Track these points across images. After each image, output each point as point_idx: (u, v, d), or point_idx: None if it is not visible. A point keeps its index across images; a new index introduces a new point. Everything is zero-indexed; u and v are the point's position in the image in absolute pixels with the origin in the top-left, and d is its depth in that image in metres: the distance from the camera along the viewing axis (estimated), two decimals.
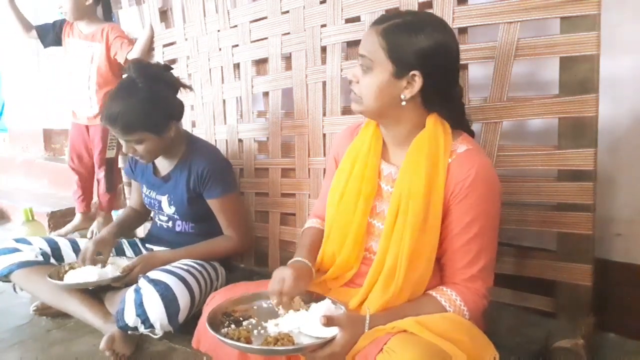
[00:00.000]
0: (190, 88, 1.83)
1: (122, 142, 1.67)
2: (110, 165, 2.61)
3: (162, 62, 2.27)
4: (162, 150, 1.73)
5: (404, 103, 1.07)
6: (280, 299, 1.08)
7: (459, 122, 1.15)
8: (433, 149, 1.07)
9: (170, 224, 1.86)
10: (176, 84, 1.75)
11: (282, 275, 1.10)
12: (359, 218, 1.15)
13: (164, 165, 1.81)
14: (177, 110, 1.73)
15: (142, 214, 2.04)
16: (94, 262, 1.67)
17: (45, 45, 2.62)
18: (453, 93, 1.13)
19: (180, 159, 1.77)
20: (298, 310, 1.08)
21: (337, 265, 1.18)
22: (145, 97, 1.59)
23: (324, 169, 1.74)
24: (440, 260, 1.11)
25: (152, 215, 1.99)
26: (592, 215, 1.32)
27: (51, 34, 2.56)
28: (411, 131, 1.11)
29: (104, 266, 1.67)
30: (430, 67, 1.04)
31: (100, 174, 2.60)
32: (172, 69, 1.80)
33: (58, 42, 2.57)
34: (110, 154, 2.59)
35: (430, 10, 1.47)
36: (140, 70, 1.63)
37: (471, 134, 1.17)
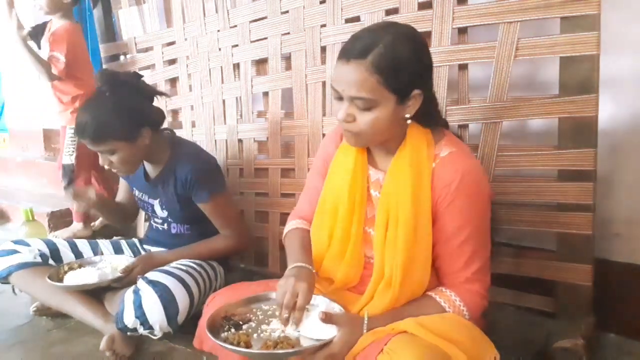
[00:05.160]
0: (166, 95, 1.89)
1: (98, 153, 1.64)
2: (67, 172, 2.44)
3: (163, 62, 2.27)
4: (139, 159, 1.71)
5: (409, 122, 1.06)
6: (293, 314, 1.01)
7: (437, 118, 1.14)
8: (415, 156, 1.06)
9: (165, 226, 1.85)
10: (149, 92, 1.73)
11: (296, 289, 1.01)
12: (356, 228, 1.14)
13: (152, 170, 1.79)
14: (151, 117, 1.69)
15: (129, 209, 2.02)
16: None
17: (40, 47, 2.54)
18: (433, 92, 1.12)
19: (166, 165, 1.74)
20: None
21: (340, 280, 1.16)
22: (112, 106, 1.57)
23: None
24: (435, 264, 1.10)
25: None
26: (592, 215, 1.32)
27: (40, 36, 2.49)
28: (396, 140, 1.10)
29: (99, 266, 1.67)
30: (426, 79, 1.05)
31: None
32: (142, 76, 1.75)
33: None
34: (67, 160, 2.44)
35: (430, 11, 1.47)
36: (106, 79, 1.61)
37: (445, 125, 1.17)
